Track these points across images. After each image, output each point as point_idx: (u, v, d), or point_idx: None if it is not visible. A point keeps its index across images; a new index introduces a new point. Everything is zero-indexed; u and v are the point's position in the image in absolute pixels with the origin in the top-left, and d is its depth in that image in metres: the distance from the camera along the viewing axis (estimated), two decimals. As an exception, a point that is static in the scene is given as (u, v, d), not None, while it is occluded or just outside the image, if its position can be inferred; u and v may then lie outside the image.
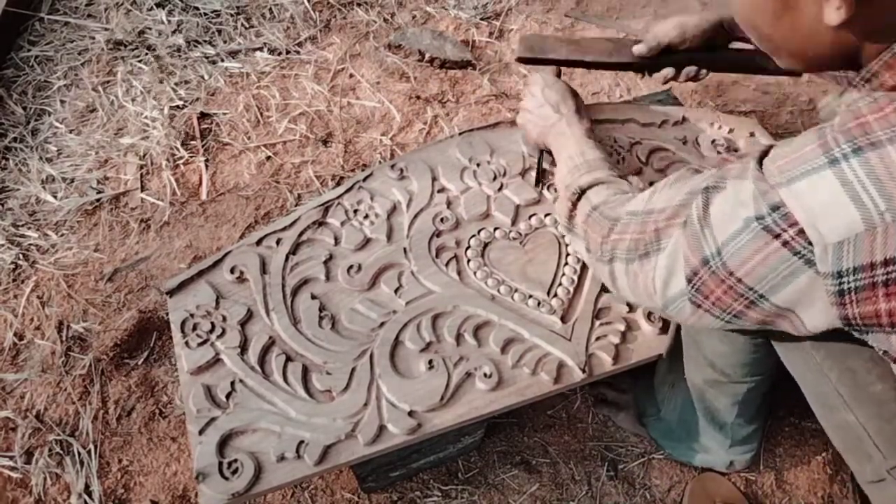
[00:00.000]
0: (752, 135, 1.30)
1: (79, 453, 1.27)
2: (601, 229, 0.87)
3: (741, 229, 0.60)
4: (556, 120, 1.11)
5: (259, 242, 1.15)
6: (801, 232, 0.56)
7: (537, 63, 1.24)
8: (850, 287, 0.55)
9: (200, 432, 0.95)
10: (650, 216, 0.78)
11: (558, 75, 1.22)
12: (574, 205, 0.95)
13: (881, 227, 0.52)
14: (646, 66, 1.23)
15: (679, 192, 0.74)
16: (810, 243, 0.56)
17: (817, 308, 0.60)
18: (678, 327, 1.06)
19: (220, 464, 0.92)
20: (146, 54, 1.90)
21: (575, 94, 1.15)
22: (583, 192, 0.95)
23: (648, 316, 1.09)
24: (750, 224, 0.60)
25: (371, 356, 1.02)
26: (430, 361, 1.02)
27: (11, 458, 1.26)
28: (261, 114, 1.80)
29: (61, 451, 1.27)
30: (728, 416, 1.14)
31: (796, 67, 0.70)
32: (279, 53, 1.93)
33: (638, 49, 1.20)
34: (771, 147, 0.65)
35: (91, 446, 1.28)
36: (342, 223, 1.18)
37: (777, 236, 0.58)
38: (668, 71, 1.22)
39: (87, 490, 1.23)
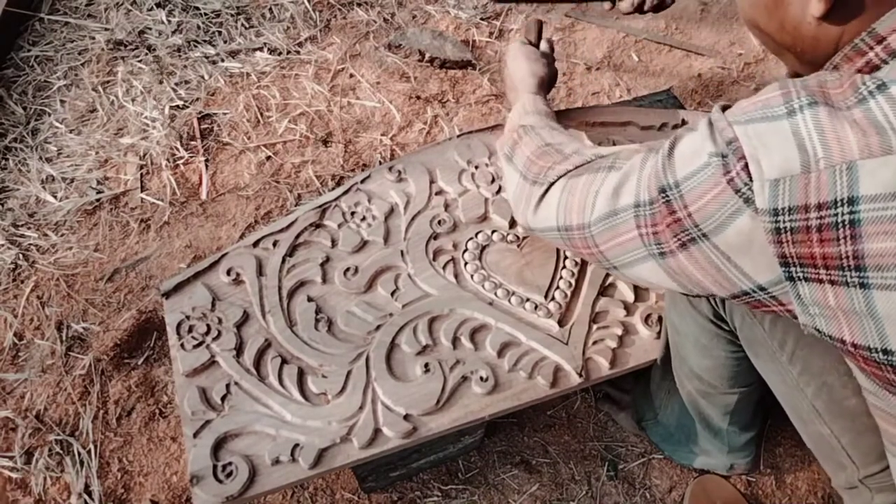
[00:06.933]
0: None
1: (79, 453, 1.27)
2: (553, 158, 0.88)
3: (705, 164, 0.62)
4: (521, 87, 1.13)
5: (256, 244, 1.15)
6: (745, 167, 0.58)
7: (509, 1, 1.23)
8: (786, 227, 0.57)
9: (195, 435, 0.95)
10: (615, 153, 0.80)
11: (540, 28, 1.23)
12: (520, 138, 0.97)
13: (815, 173, 0.55)
14: None
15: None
16: (751, 179, 0.57)
17: (755, 256, 0.61)
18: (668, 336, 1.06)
19: (215, 467, 0.92)
20: (146, 54, 1.90)
21: (544, 69, 1.16)
22: (532, 129, 0.97)
23: (646, 320, 1.08)
24: (712, 159, 0.61)
25: (367, 359, 1.02)
26: (426, 365, 1.01)
27: (11, 458, 1.26)
28: (261, 114, 1.80)
29: (61, 451, 1.28)
30: (722, 423, 1.14)
31: (795, 67, 0.73)
32: (279, 53, 1.93)
33: None
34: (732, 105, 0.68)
35: (91, 446, 1.28)
36: (339, 225, 1.18)
37: (727, 172, 0.59)
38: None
39: (87, 490, 1.24)
